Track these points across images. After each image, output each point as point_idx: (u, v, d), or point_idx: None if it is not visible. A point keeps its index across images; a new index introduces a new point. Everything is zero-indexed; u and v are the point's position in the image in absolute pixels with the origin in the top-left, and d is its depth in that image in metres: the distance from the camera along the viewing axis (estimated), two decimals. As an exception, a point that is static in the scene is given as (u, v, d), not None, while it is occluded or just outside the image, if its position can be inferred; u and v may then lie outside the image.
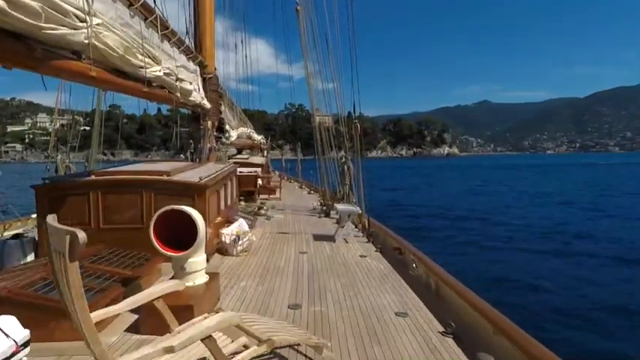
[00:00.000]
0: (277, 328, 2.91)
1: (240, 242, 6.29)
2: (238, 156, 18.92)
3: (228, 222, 6.98)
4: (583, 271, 13.08)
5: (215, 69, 10.78)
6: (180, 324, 2.85)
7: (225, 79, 21.98)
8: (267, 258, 6.21)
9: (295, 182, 20.27)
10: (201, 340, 2.17)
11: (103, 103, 11.18)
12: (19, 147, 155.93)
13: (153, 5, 5.44)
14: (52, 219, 1.96)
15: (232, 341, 2.78)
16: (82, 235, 1.69)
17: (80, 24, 3.57)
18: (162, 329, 2.76)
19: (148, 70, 5.15)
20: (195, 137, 10.61)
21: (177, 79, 6.61)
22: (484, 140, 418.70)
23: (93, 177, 5.66)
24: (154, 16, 5.49)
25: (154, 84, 5.63)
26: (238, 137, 15.93)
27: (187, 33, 9.94)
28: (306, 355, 3.14)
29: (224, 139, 12.31)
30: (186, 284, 3.79)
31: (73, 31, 3.48)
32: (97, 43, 3.87)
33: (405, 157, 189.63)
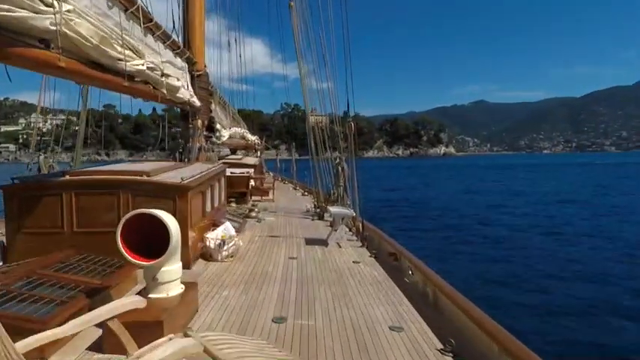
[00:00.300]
0: (254, 351, 2.55)
1: (225, 247, 5.93)
2: (231, 156, 18.57)
3: (215, 225, 6.63)
4: (579, 267, 12.96)
5: (205, 66, 10.45)
6: (145, 343, 2.49)
7: (220, 78, 21.70)
8: (255, 264, 5.85)
9: (290, 183, 19.88)
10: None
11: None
12: (12, 147, 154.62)
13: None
14: None
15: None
16: None
17: (45, 8, 3.26)
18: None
19: (128, 63, 4.82)
20: (184, 136, 10.26)
21: (163, 75, 6.27)
22: (480, 140, 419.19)
23: (67, 177, 5.29)
24: (135, 6, 5.14)
25: (136, 79, 5.30)
26: (231, 137, 15.54)
27: (174, 28, 9.57)
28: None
29: (214, 139, 11.97)
30: (159, 296, 3.44)
31: (35, 15, 3.16)
32: (67, 31, 3.54)
33: (402, 157, 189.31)
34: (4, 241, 5.09)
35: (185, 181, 5.46)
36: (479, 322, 3.48)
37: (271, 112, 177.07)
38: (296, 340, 3.43)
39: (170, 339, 2.31)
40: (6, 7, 2.87)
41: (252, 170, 14.40)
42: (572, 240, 17.34)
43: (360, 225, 7.85)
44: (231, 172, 13.17)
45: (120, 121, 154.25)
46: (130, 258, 3.29)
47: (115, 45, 4.52)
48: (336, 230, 7.29)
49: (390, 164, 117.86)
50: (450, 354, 3.21)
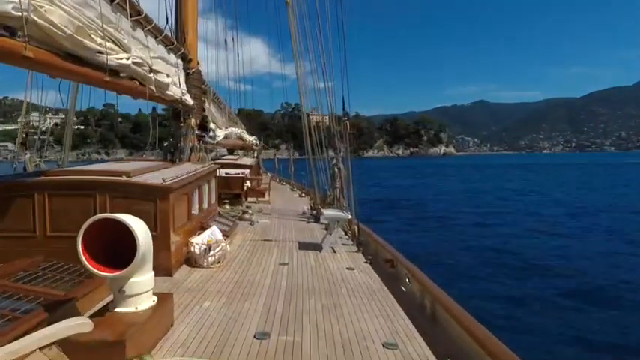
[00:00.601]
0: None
1: (211, 252, 5.59)
2: (227, 157, 18.25)
3: (204, 229, 6.29)
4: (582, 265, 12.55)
5: (198, 63, 10.12)
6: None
7: (220, 78, 21.44)
8: (242, 271, 5.51)
9: (287, 184, 19.51)
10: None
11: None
12: (11, 146, 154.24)
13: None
14: None
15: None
16: None
17: None
18: None
19: (111, 56, 4.49)
20: (175, 136, 9.93)
21: (152, 71, 5.92)
22: (480, 140, 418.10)
23: (41, 177, 4.96)
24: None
25: (122, 74, 4.97)
26: (227, 137, 15.20)
27: (167, 23, 9.24)
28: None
29: (208, 139, 11.64)
30: (126, 310, 3.10)
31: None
32: (36, 19, 3.24)
33: (402, 157, 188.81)
34: None
35: (167, 183, 5.12)
36: (481, 340, 3.14)
37: (272, 112, 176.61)
38: (279, 359, 3.09)
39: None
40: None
41: (248, 171, 14.10)
42: (575, 240, 17.01)
43: (356, 229, 7.50)
44: (226, 173, 12.86)
45: (120, 120, 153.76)
46: (91, 268, 2.94)
47: (94, 36, 4.21)
48: (330, 234, 6.95)
49: (391, 164, 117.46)
50: None
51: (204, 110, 10.96)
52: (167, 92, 6.93)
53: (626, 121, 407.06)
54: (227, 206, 10.93)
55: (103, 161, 18.84)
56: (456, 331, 3.56)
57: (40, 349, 1.93)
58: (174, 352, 3.15)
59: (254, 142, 22.97)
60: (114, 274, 2.97)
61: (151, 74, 5.90)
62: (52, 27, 3.47)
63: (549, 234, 18.71)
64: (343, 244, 7.24)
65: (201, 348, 3.24)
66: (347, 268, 5.71)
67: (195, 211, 6.40)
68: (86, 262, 2.93)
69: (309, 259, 6.15)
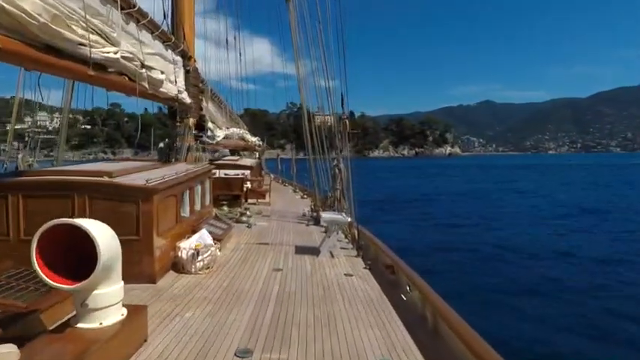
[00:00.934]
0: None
1: (200, 257, 5.26)
2: (228, 157, 17.98)
3: (195, 232, 5.97)
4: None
5: (195, 61, 9.83)
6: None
7: (222, 77, 21.23)
8: (232, 277, 5.17)
9: (290, 185, 19.15)
10: None
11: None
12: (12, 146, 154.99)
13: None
14: None
15: None
16: None
17: None
18: None
19: (95, 50, 4.17)
20: (171, 135, 9.64)
21: (144, 66, 5.60)
22: (486, 140, 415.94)
23: (16, 177, 4.66)
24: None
25: (110, 69, 4.66)
26: (227, 137, 14.91)
27: (165, 18, 8.94)
28: None
29: (206, 138, 11.35)
30: (89, 326, 2.78)
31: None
32: (4, 5, 2.96)
33: (407, 157, 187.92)
34: None
35: (151, 183, 4.80)
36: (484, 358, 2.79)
37: (277, 112, 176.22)
38: None
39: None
40: None
41: (248, 172, 13.83)
42: (577, 242, 16.54)
43: (356, 232, 7.14)
44: (225, 174, 12.59)
45: (126, 119, 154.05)
46: (46, 279, 2.62)
47: (75, 27, 3.89)
48: (329, 237, 6.61)
49: (396, 164, 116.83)
50: None
51: (201, 109, 10.67)
52: (161, 90, 6.62)
53: (631, 122, 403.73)
54: (225, 208, 10.63)
55: (104, 160, 18.56)
56: (458, 347, 3.23)
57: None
58: None
59: (257, 142, 22.66)
60: (72, 286, 2.64)
61: (143, 70, 5.59)
62: (23, 14, 3.17)
63: (557, 235, 18.38)
64: (342, 248, 6.89)
65: None
66: (344, 275, 5.37)
67: (185, 213, 6.08)
68: (40, 272, 2.61)
69: (305, 265, 5.81)
